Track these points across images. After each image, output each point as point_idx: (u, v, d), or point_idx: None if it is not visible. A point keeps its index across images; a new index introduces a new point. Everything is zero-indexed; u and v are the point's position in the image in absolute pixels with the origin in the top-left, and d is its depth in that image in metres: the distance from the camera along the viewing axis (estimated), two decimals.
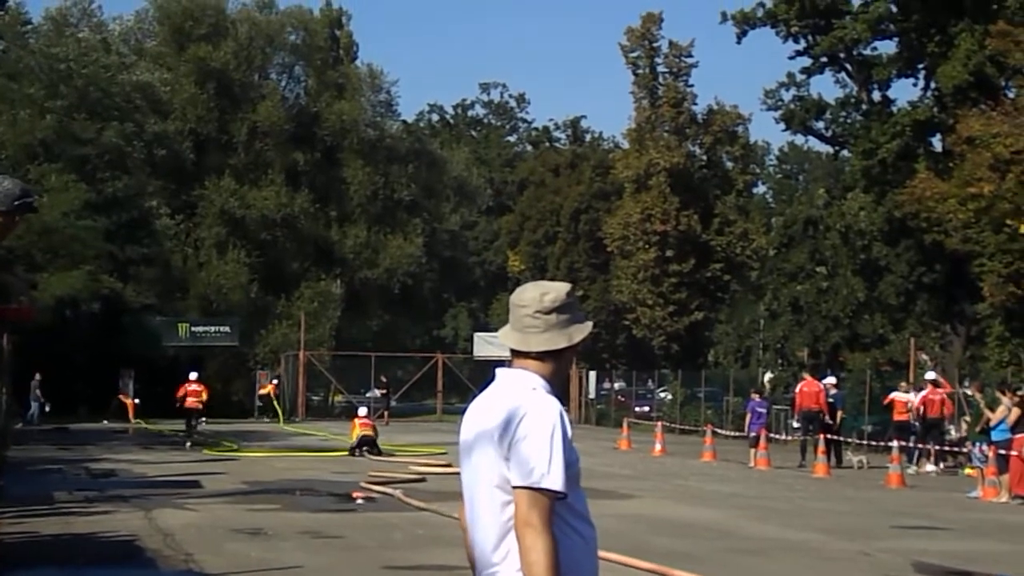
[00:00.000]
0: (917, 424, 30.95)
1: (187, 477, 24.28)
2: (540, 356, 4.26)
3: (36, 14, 58.72)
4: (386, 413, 51.28)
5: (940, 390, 31.16)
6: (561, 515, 4.04)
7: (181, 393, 37.97)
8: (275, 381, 54.04)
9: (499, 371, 4.35)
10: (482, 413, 4.23)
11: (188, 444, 35.24)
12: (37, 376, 44.32)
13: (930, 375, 32.41)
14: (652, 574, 12.92)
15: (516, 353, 4.30)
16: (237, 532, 16.06)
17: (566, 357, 4.31)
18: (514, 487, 4.01)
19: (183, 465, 27.62)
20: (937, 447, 30.34)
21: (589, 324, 4.37)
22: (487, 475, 4.12)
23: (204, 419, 43.95)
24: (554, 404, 4.11)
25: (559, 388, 4.29)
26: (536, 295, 4.29)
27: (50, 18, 58.37)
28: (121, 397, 49.43)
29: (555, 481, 3.96)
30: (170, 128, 60.22)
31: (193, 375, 39.19)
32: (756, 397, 33.10)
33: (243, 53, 64.97)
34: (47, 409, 44.92)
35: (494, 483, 4.09)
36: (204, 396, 38.50)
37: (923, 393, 30.98)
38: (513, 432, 4.05)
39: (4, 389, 9.23)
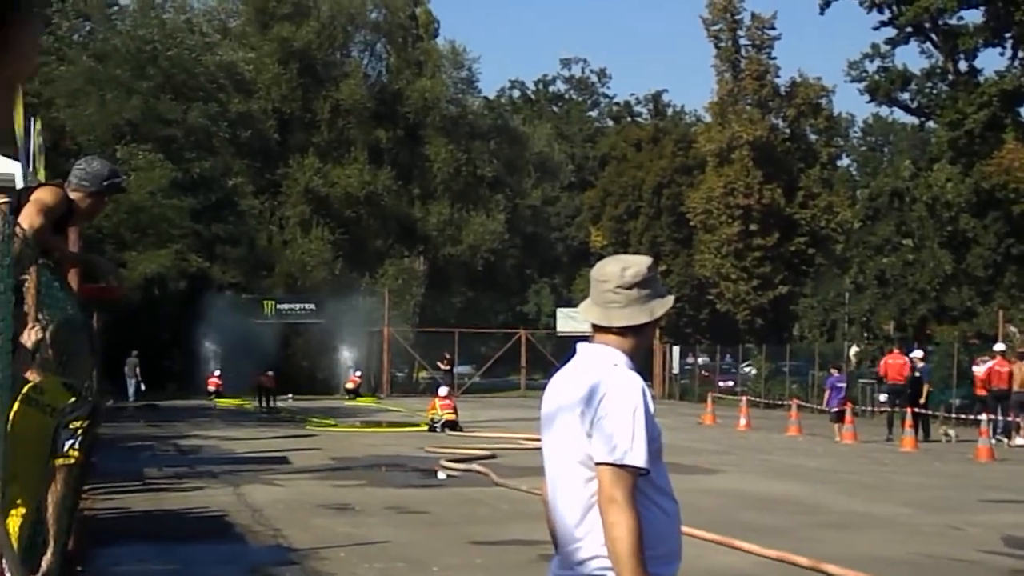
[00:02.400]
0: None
1: (274, 453, 24.54)
2: (621, 331, 4.24)
3: None
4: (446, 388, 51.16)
5: (1010, 362, 30.75)
6: (644, 491, 4.02)
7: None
8: (358, 373, 54.10)
9: (580, 346, 4.33)
10: (563, 389, 4.22)
11: (265, 411, 40.62)
12: (134, 354, 44.95)
13: (998, 346, 32.08)
14: (726, 547, 12.91)
15: (597, 328, 4.29)
16: (324, 508, 16.22)
17: (647, 332, 4.29)
18: (597, 463, 4.00)
19: (270, 441, 27.92)
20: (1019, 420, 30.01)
21: (671, 298, 4.36)
22: (570, 451, 4.12)
23: (291, 395, 45.23)
24: (636, 380, 4.09)
25: (640, 363, 4.27)
26: (617, 270, 4.27)
27: None
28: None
29: (638, 457, 3.94)
30: (254, 108, 60.69)
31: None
32: (835, 372, 32.94)
33: (325, 32, 65.28)
34: (142, 387, 45.49)
35: (577, 459, 4.08)
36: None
37: (989, 364, 30.68)
38: (595, 409, 4.02)
39: (96, 368, 9.42)
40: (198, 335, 50.99)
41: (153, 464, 22.38)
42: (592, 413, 4.03)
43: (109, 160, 8.75)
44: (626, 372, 4.11)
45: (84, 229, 12.65)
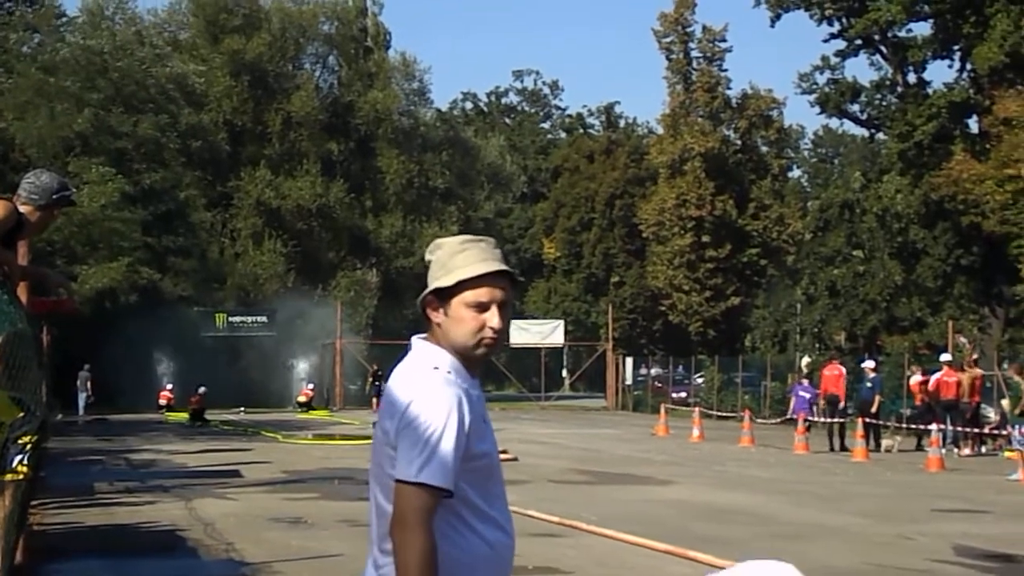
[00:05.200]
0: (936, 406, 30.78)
1: (226, 467, 24.40)
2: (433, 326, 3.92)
3: (71, 7, 58.99)
4: (375, 400, 50.70)
5: (957, 372, 30.86)
6: (461, 515, 3.66)
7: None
8: (311, 385, 53.56)
9: (412, 341, 3.96)
10: (386, 393, 3.83)
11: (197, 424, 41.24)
12: (86, 367, 44.66)
13: (945, 356, 32.15)
14: (680, 558, 12.92)
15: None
16: (277, 521, 16.11)
17: (452, 323, 3.86)
18: (395, 480, 3.60)
19: (222, 455, 27.77)
20: (970, 430, 30.16)
21: (457, 273, 3.90)
22: (380, 462, 3.72)
23: (242, 408, 45.43)
24: (447, 389, 3.67)
25: (471, 361, 3.84)
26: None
27: (85, 11, 58.64)
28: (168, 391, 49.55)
29: (435, 476, 3.53)
30: (205, 120, 60.51)
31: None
32: (804, 382, 32.97)
33: (276, 44, 65.22)
34: (92, 400, 45.20)
35: (386, 472, 3.67)
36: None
37: (938, 375, 30.77)
38: (398, 419, 3.64)
39: (44, 381, 9.34)
40: (149, 348, 50.72)
41: (104, 478, 22.17)
42: (396, 423, 3.65)
43: (59, 173, 8.68)
44: (440, 378, 3.71)
45: (34, 242, 12.55)
